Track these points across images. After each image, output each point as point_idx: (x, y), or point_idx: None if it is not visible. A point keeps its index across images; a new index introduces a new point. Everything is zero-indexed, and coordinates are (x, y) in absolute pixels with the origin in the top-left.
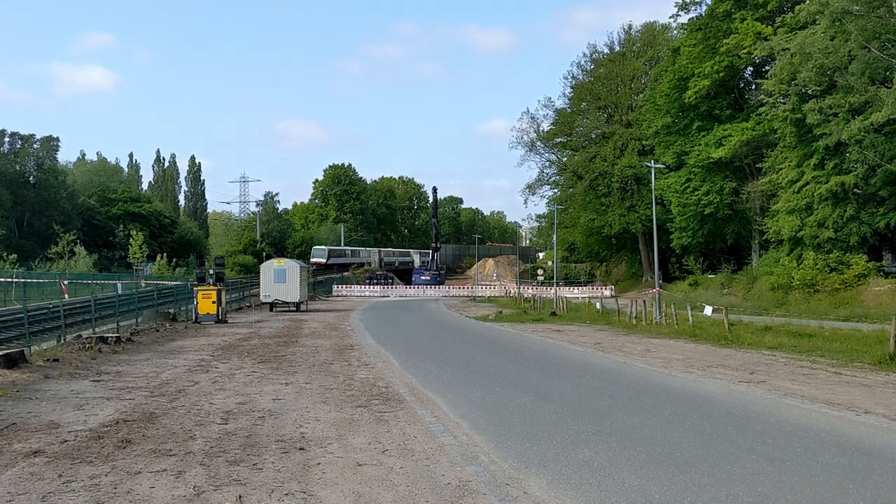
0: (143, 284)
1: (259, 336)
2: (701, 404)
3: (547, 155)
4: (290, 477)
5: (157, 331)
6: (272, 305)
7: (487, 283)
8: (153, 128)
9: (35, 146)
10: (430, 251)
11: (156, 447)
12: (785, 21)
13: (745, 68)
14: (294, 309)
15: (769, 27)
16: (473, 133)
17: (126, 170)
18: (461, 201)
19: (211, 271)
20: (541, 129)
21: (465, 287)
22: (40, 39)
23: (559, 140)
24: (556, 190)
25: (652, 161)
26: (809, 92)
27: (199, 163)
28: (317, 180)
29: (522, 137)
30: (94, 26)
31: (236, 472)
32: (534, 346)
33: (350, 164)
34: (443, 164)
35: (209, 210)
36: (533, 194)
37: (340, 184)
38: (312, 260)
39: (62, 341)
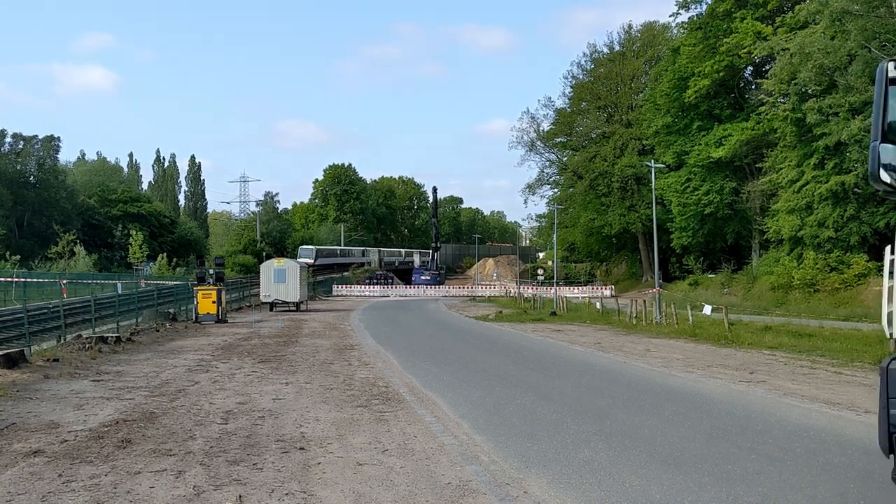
0: (143, 284)
1: (259, 336)
2: (701, 404)
3: (547, 155)
4: (290, 477)
5: (157, 331)
6: (272, 305)
7: (487, 282)
8: (153, 128)
9: (36, 146)
10: (430, 251)
11: (156, 447)
12: (785, 21)
13: (745, 68)
14: (294, 309)
15: (769, 27)
16: (473, 133)
17: (126, 170)
18: (461, 201)
19: (211, 271)
20: (541, 128)
21: (465, 287)
22: (40, 39)
23: (559, 140)
24: (556, 190)
25: (652, 161)
26: (809, 92)
27: (199, 163)
28: (317, 180)
29: (522, 137)
30: (94, 26)
31: (236, 471)
32: (534, 346)
33: (350, 164)
34: (443, 164)
35: (209, 210)
36: (533, 194)
37: (340, 184)
38: (299, 261)
39: (62, 341)
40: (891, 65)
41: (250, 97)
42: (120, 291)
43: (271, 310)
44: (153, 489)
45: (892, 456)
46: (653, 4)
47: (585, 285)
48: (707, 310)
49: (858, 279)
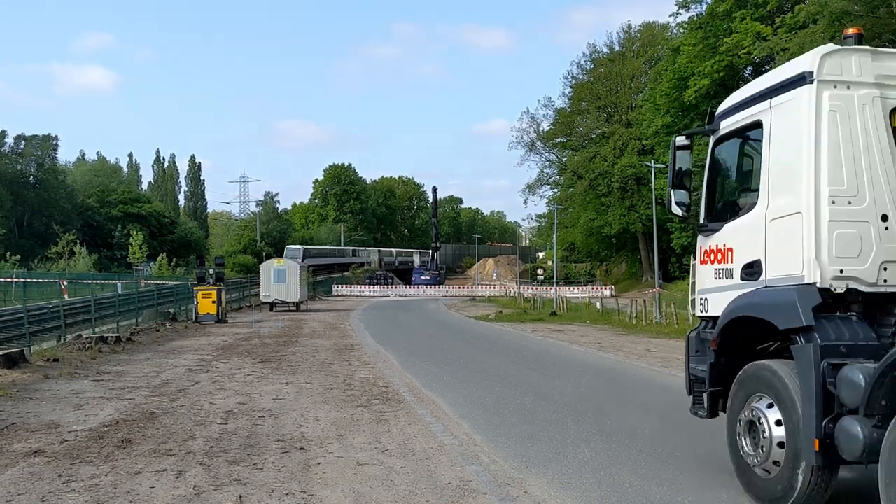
0: (143, 284)
1: (259, 336)
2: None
3: (547, 155)
4: (290, 477)
5: (157, 331)
6: (272, 305)
7: (487, 282)
8: (153, 128)
9: (35, 146)
10: (430, 251)
11: (156, 447)
12: (784, 21)
13: (745, 68)
14: (294, 309)
15: (769, 27)
16: (473, 133)
17: (126, 170)
18: (461, 201)
19: (211, 271)
20: (541, 128)
21: (465, 287)
22: (39, 39)
23: (559, 140)
24: (556, 190)
25: (652, 161)
26: None
27: (199, 163)
28: (317, 180)
29: (522, 137)
30: (94, 26)
31: (236, 471)
32: (534, 346)
33: (350, 164)
34: (443, 164)
35: (209, 210)
36: (533, 194)
37: (340, 184)
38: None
39: (62, 341)
40: (679, 138)
41: (250, 97)
42: (120, 291)
43: (271, 310)
44: (153, 489)
45: (691, 396)
46: (651, 4)
47: (585, 285)
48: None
49: None
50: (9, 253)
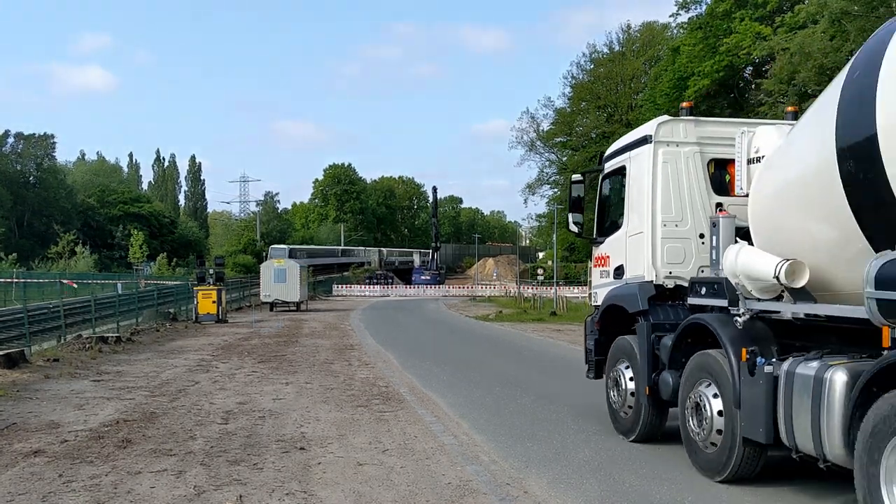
0: (143, 284)
1: (259, 336)
2: None
3: (547, 154)
4: (290, 477)
5: (158, 330)
6: (272, 305)
7: (487, 282)
8: (153, 128)
9: (33, 146)
10: (430, 251)
11: (156, 447)
12: (784, 21)
13: (745, 67)
14: (294, 309)
15: (768, 27)
16: (472, 133)
17: (126, 170)
18: (461, 201)
19: (211, 271)
20: (540, 128)
21: (465, 287)
22: (38, 40)
23: (559, 140)
24: (556, 189)
25: None
26: (809, 92)
27: (200, 163)
28: (317, 180)
29: (522, 137)
30: (92, 27)
31: (237, 471)
32: (534, 346)
33: (350, 164)
34: (442, 163)
35: (209, 210)
36: (533, 194)
37: (340, 183)
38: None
39: (62, 341)
40: (575, 175)
41: (250, 97)
42: (120, 291)
43: (271, 310)
44: (154, 489)
45: (587, 366)
46: (650, 4)
47: (586, 285)
48: None
49: None
50: (5, 252)
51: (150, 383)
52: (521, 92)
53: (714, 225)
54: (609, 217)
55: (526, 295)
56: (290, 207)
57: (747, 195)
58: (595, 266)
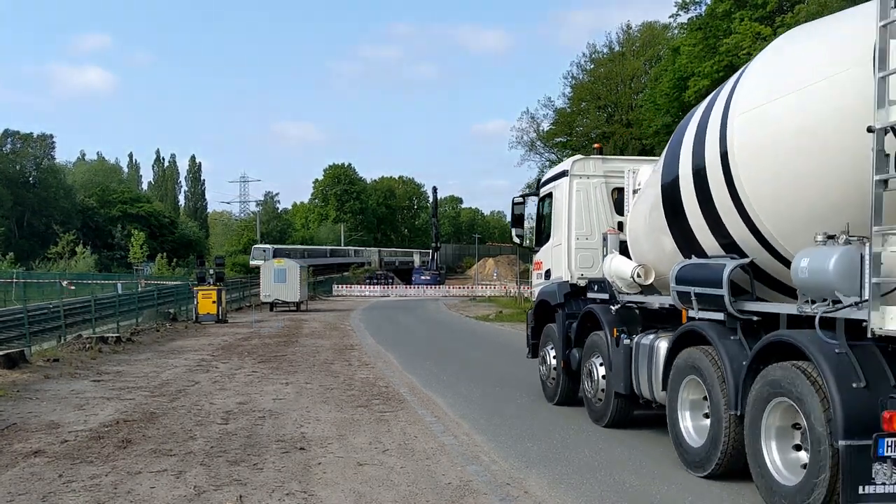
0: (143, 284)
1: (259, 336)
2: None
3: (547, 155)
4: (290, 477)
5: (158, 331)
6: (272, 305)
7: (487, 282)
8: (153, 128)
9: (33, 146)
10: (430, 251)
11: (156, 447)
12: (785, 21)
13: None
14: (294, 309)
15: (768, 27)
16: (472, 133)
17: (126, 170)
18: (461, 201)
19: (211, 271)
20: (541, 128)
21: (465, 287)
22: (37, 40)
23: (559, 140)
24: None
25: None
26: None
27: (200, 163)
28: (317, 180)
29: (522, 137)
30: (91, 27)
31: (237, 471)
32: None
33: (350, 164)
34: (442, 163)
35: (209, 210)
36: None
37: (340, 184)
38: (252, 263)
39: (62, 341)
40: (516, 197)
41: (250, 97)
42: (120, 292)
43: (271, 310)
44: (153, 489)
45: (528, 348)
46: (650, 4)
47: None
48: None
49: None
50: (2, 253)
51: (150, 383)
52: (520, 92)
53: (605, 240)
54: (542, 232)
55: (526, 295)
56: (290, 207)
57: None
58: (534, 270)
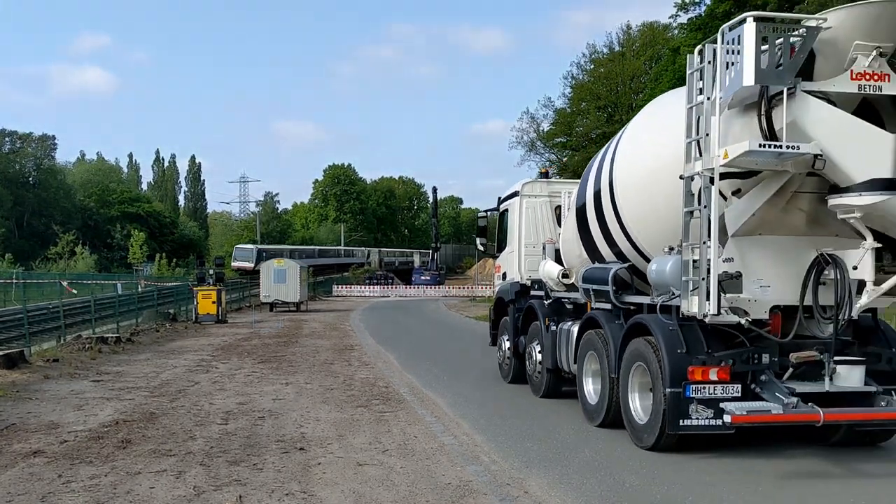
0: (143, 285)
1: (259, 336)
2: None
3: (547, 155)
4: (290, 477)
5: (157, 331)
6: (272, 305)
7: (487, 283)
8: (153, 128)
9: (32, 146)
10: (430, 251)
11: (156, 447)
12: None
13: None
14: (294, 309)
15: None
16: (471, 133)
17: (126, 170)
18: (461, 201)
19: (211, 271)
20: (541, 128)
21: (465, 287)
22: (37, 40)
23: (559, 140)
24: None
25: None
26: None
27: (199, 163)
28: (316, 180)
29: (522, 137)
30: (90, 27)
31: (236, 472)
32: None
33: (350, 165)
34: (442, 164)
35: (209, 210)
36: None
37: (340, 184)
38: (234, 265)
39: (62, 341)
40: (480, 213)
41: (250, 98)
42: (120, 292)
43: (271, 310)
44: (153, 489)
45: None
46: (650, 4)
47: None
48: None
49: None
50: (3, 253)
51: (149, 384)
52: (520, 92)
53: (544, 248)
54: (501, 240)
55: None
56: (290, 208)
57: None
58: (495, 272)
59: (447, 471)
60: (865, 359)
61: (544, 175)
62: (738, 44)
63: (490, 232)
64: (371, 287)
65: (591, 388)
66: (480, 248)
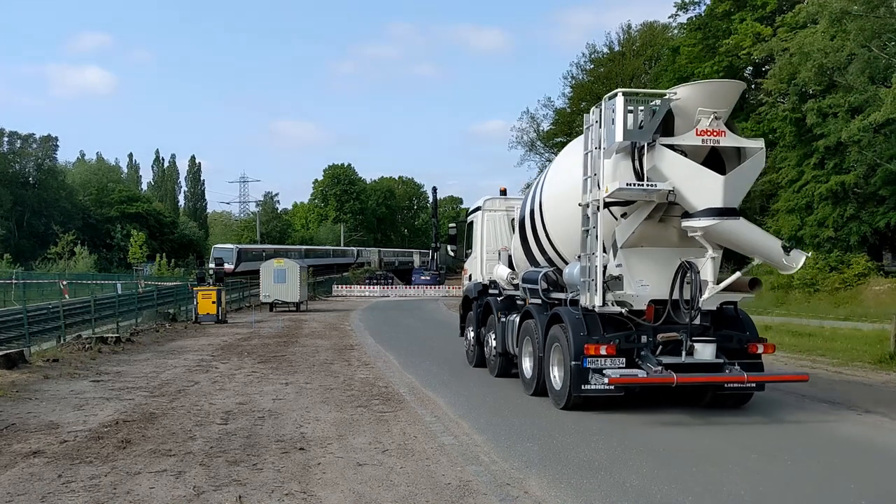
0: (143, 285)
1: (259, 336)
2: (698, 403)
3: (547, 154)
4: (290, 477)
5: (157, 331)
6: (272, 305)
7: None
8: (153, 128)
9: (34, 146)
10: (430, 251)
11: (156, 447)
12: (785, 20)
13: (745, 68)
14: (294, 309)
15: (768, 28)
16: (470, 133)
17: (126, 170)
18: (461, 201)
19: (211, 271)
20: (540, 128)
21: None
22: (36, 40)
23: (559, 140)
24: None
25: None
26: (809, 91)
27: (199, 163)
28: (316, 180)
29: (522, 137)
30: (89, 27)
31: (236, 472)
32: None
33: (350, 165)
34: (442, 164)
35: (209, 210)
36: None
37: (340, 184)
38: (212, 267)
39: (62, 341)
40: (451, 225)
41: (250, 97)
42: (119, 292)
43: (271, 310)
44: (153, 490)
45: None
46: (650, 4)
47: None
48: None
49: (858, 279)
50: (3, 253)
51: (149, 384)
52: (520, 92)
53: (499, 254)
54: (468, 246)
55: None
56: (290, 208)
57: None
58: (464, 275)
59: (447, 471)
60: (716, 339)
61: (503, 192)
62: (613, 111)
63: (459, 240)
64: (371, 287)
65: (527, 365)
66: (451, 253)
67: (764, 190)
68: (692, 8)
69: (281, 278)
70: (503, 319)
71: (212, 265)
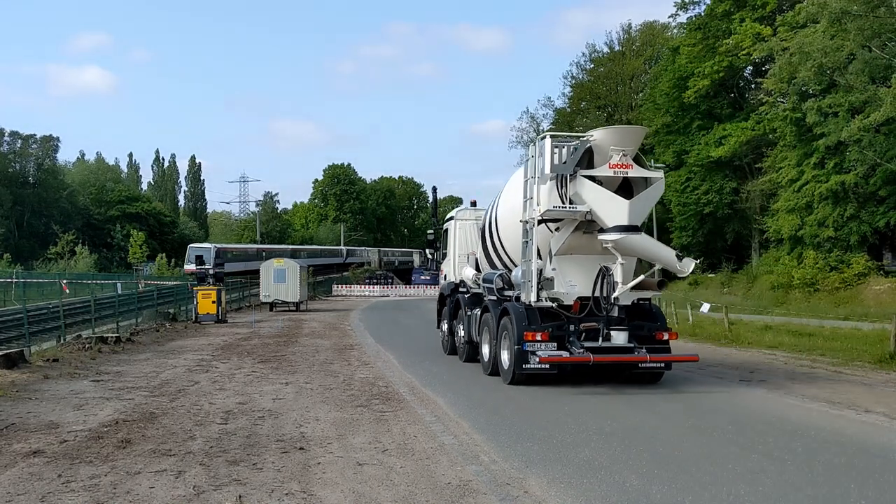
0: (143, 284)
1: (259, 336)
2: (701, 403)
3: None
4: (290, 477)
5: (157, 331)
6: (272, 305)
7: None
8: (153, 128)
9: (34, 146)
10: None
11: (156, 447)
12: (785, 20)
13: (745, 67)
14: (294, 309)
15: (768, 27)
16: (472, 133)
17: (126, 170)
18: (461, 201)
19: (211, 271)
20: (540, 128)
21: None
22: (36, 40)
23: None
24: None
25: (652, 160)
26: (809, 91)
27: (199, 163)
28: (316, 180)
29: (522, 137)
30: (89, 27)
31: (236, 471)
32: None
33: (349, 164)
34: (442, 163)
35: (209, 210)
36: None
37: (340, 184)
38: (187, 268)
39: (62, 341)
40: (429, 231)
41: (250, 97)
42: (120, 292)
43: (271, 310)
44: (153, 489)
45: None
46: (650, 4)
47: None
48: (705, 308)
49: (858, 278)
50: (2, 252)
51: (149, 383)
52: (520, 92)
53: (468, 258)
54: (444, 251)
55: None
56: (289, 207)
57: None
58: (440, 275)
59: (447, 471)
60: (629, 328)
61: (473, 204)
62: (543, 149)
63: (437, 245)
64: (371, 287)
65: (485, 350)
66: (429, 256)
67: (764, 189)
68: (692, 8)
69: (281, 278)
70: (469, 313)
71: (188, 267)
